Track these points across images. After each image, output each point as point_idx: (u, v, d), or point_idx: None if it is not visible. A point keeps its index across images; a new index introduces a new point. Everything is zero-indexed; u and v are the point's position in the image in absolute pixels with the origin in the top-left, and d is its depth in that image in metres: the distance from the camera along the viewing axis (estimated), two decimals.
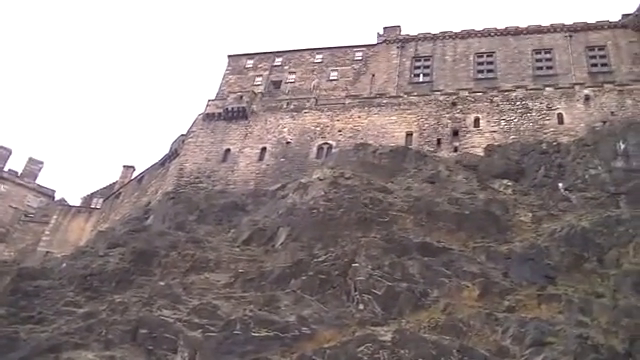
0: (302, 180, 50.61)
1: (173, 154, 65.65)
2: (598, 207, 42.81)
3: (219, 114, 64.45)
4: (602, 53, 64.01)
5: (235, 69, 74.05)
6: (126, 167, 77.84)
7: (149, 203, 60.66)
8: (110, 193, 74.02)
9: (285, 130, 61.35)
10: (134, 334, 35.37)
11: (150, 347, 34.38)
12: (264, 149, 60.31)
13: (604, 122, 53.88)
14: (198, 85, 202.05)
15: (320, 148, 58.95)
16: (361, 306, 35.31)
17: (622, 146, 48.97)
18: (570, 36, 65.96)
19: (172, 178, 60.63)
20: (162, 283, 40.21)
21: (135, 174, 74.13)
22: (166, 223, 51.52)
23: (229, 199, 54.03)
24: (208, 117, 64.67)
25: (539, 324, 31.95)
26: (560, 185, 47.41)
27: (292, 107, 63.63)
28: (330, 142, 59.05)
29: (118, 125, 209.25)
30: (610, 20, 66.91)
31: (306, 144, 59.50)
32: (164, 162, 67.09)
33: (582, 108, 55.88)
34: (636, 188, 44.06)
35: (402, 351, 30.46)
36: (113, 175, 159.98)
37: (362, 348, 30.87)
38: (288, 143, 60.09)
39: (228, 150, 61.15)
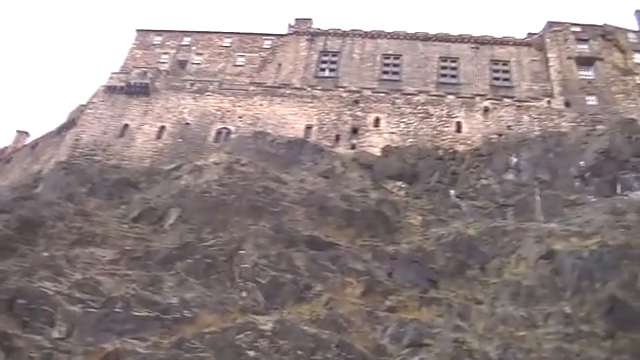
0: (198, 162, 50.33)
1: (70, 124, 64.14)
2: (486, 216, 44.34)
3: (121, 88, 63.44)
4: (505, 68, 66.18)
5: (142, 44, 72.90)
6: (20, 132, 75.51)
7: (40, 171, 59.08)
8: (0, 157, 71.60)
9: (186, 111, 60.85)
10: (11, 304, 34.27)
11: (27, 319, 33.35)
12: (163, 128, 59.67)
13: (500, 135, 55.88)
14: (102, 56, 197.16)
15: (219, 132, 58.75)
16: (244, 294, 35.46)
17: (514, 160, 50.99)
18: (477, 48, 67.86)
19: (67, 148, 59.25)
20: (46, 254, 39.16)
21: (29, 140, 71.96)
22: (56, 193, 50.20)
23: (122, 175, 53.18)
24: (110, 90, 63.54)
25: (418, 326, 32.85)
26: (452, 192, 48.91)
27: (195, 88, 63.17)
28: (230, 127, 58.92)
29: (14, 89, 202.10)
30: (516, 37, 69.18)
31: (205, 127, 59.17)
32: (60, 131, 65.44)
33: (480, 119, 57.73)
34: (524, 201, 45.86)
35: (281, 341, 30.76)
36: (5, 139, 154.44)
37: (242, 336, 31.01)
38: (187, 124, 59.63)
39: (127, 125, 60.22)
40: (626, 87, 62.30)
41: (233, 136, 57.57)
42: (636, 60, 66.39)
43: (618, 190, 48.69)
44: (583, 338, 33.78)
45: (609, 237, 39.73)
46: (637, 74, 64.59)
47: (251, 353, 30.27)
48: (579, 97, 60.77)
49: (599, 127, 55.89)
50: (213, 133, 58.65)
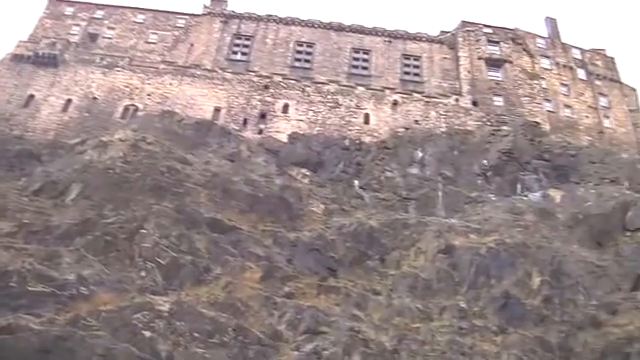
0: (103, 138, 49.36)
1: None
2: (388, 209, 45.17)
3: (28, 57, 61.53)
4: (416, 63, 67.21)
5: (53, 14, 70.80)
6: None
7: None
8: None
9: (94, 85, 59.62)
10: None
11: None
12: (70, 101, 58.28)
13: (407, 129, 56.84)
14: (10, 23, 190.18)
15: (126, 109, 57.81)
16: (143, 273, 35.18)
17: (420, 154, 52.10)
18: (389, 41, 68.68)
19: None
20: None
21: None
22: None
23: (25, 146, 51.71)
24: (16, 58, 61.56)
25: (315, 313, 33.31)
26: (356, 182, 49.64)
27: (105, 63, 61.93)
28: (137, 104, 58.08)
29: None
30: (429, 34, 70.35)
31: (113, 103, 58.16)
32: None
33: (389, 112, 58.60)
34: (426, 196, 46.94)
35: (178, 323, 30.74)
36: None
37: (139, 315, 30.79)
38: (95, 99, 58.47)
39: (32, 96, 58.52)
40: (532, 91, 64.30)
41: (140, 114, 56.78)
42: (543, 65, 68.68)
43: (518, 190, 50.43)
44: (476, 332, 34.98)
45: (507, 235, 41.15)
46: (543, 79, 66.82)
47: (147, 333, 30.07)
48: (486, 97, 62.37)
49: (504, 128, 57.56)
50: (120, 109, 57.69)
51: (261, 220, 42.23)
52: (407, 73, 66.08)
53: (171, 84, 60.12)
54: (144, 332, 30.13)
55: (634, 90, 74.18)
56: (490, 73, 65.35)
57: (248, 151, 51.57)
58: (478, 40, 68.04)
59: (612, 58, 74.33)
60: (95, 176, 44.04)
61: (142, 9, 72.47)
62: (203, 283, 35.27)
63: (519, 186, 50.49)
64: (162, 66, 62.28)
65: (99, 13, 71.40)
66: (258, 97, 59.31)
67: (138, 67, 61.85)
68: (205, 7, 72.01)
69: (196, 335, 30.52)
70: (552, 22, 75.91)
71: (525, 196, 49.33)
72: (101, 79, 60.12)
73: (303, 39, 68.75)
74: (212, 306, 32.82)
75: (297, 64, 66.20)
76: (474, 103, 61.47)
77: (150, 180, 43.27)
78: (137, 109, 57.68)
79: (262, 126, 56.77)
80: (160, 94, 59.13)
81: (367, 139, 55.18)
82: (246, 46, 67.94)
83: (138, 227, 37.92)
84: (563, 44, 73.00)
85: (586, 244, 45.29)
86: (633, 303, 40.60)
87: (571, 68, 70.21)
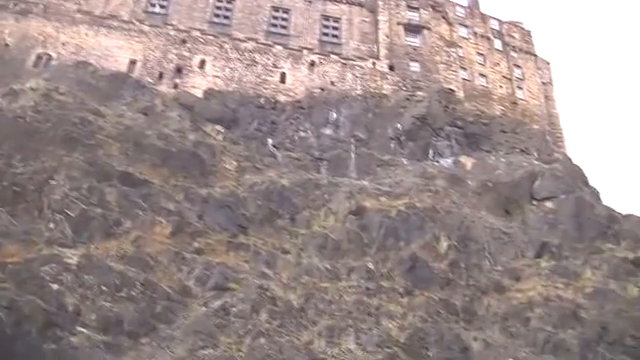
0: (14, 86, 48.11)
1: None
2: (300, 168, 45.68)
3: None
4: (335, 25, 67.30)
5: None
6: None
7: None
8: None
9: (6, 32, 57.58)
10: None
11: None
12: None
13: (323, 89, 57.27)
14: None
15: (39, 57, 56.20)
16: (52, 225, 34.80)
17: (334, 116, 52.75)
18: (310, 2, 68.59)
19: None
20: None
21: None
22: None
23: None
24: None
25: (224, 270, 33.76)
26: (269, 141, 49.94)
27: (18, 9, 59.69)
28: (51, 54, 56.51)
29: None
30: None
31: (25, 50, 56.38)
32: None
33: (306, 72, 58.85)
34: (338, 157, 47.66)
35: (86, 276, 30.76)
36: None
37: (46, 268, 30.67)
38: (7, 45, 56.61)
39: None
40: (448, 58, 65.39)
41: (54, 63, 55.34)
42: (461, 34, 69.85)
43: (430, 155, 51.63)
44: (383, 293, 36.03)
45: (417, 199, 42.23)
46: (460, 47, 68.03)
47: (54, 286, 30.02)
48: (403, 62, 63.15)
49: (419, 93, 58.51)
50: (33, 58, 56.03)
51: (173, 175, 42.13)
52: (326, 34, 66.18)
53: (87, 34, 58.72)
54: (52, 285, 30.07)
55: (548, 64, 76.40)
56: (408, 39, 66.04)
57: (162, 105, 51.11)
58: (398, 5, 68.63)
59: (529, 31, 76.07)
60: (4, 125, 42.99)
61: None
62: (112, 237, 35.15)
63: (431, 151, 51.69)
64: (78, 15, 60.66)
65: None
66: (175, 51, 58.68)
67: (53, 15, 60.20)
68: None
69: (104, 289, 30.63)
70: None
71: (437, 162, 50.55)
72: (14, 25, 58.28)
73: None
74: (121, 260, 32.88)
75: (216, 20, 65.52)
76: (391, 67, 62.18)
77: (61, 131, 42.51)
78: (50, 58, 56.20)
79: (178, 81, 56.30)
80: (75, 44, 57.77)
81: (282, 98, 55.39)
82: None
83: (48, 178, 37.41)
84: (482, 14, 74.22)
85: (494, 211, 46.88)
86: (536, 270, 42.41)
87: (488, 38, 71.49)
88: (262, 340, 30.39)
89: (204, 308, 31.93)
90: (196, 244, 35.93)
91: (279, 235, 38.27)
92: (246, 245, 36.19)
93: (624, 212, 49.89)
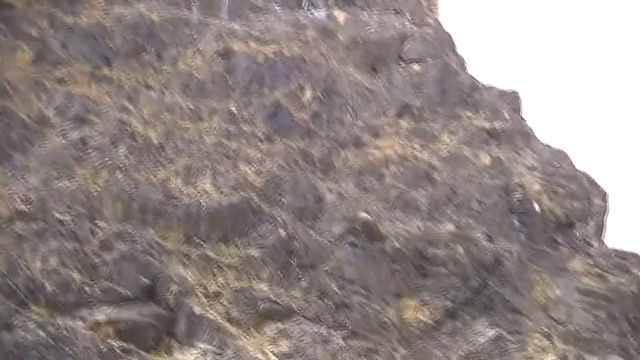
0: None
1: None
2: (171, 4, 44.72)
3: None
4: None
5: None
6: None
7: None
8: None
9: None
10: None
11: None
12: None
13: None
14: None
15: None
16: None
17: None
18: None
19: None
20: None
21: None
22: None
23: None
24: None
25: (85, 101, 33.96)
26: None
27: None
28: None
29: None
30: None
31: None
32: None
33: None
34: None
35: None
36: None
37: None
38: None
39: None
40: None
41: None
42: None
43: (303, 5, 51.90)
44: (243, 138, 37.31)
45: (286, 48, 42.98)
46: None
47: None
48: None
49: None
50: None
51: (38, 1, 41.09)
52: None
53: None
54: None
55: None
56: None
57: None
58: None
59: None
60: None
61: None
62: None
63: (305, 2, 51.99)
64: None
65: None
66: None
67: None
68: None
69: None
70: None
71: (310, 13, 50.99)
72: None
73: None
74: None
75: None
76: None
77: None
78: None
79: None
80: None
81: None
82: None
83: None
84: None
85: (361, 68, 48.19)
86: (396, 129, 44.59)
87: None
88: (119, 174, 31.22)
89: (62, 139, 32.23)
90: (58, 73, 35.59)
91: (144, 70, 38.31)
92: (109, 78, 36.23)
93: (486, 83, 52.39)
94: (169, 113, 35.64)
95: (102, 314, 25.72)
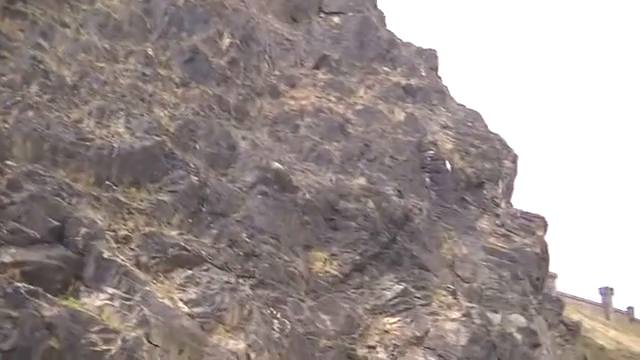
0: None
1: None
2: None
3: None
4: None
5: None
6: None
7: None
8: None
9: None
10: None
11: None
12: None
13: None
14: None
15: None
16: None
17: None
18: None
19: None
20: None
21: None
22: None
23: None
24: None
25: None
26: None
27: None
28: None
29: None
30: None
31: None
32: None
33: None
34: None
35: None
36: None
37: None
38: None
39: None
40: None
41: None
42: None
43: None
44: (159, 81, 37.23)
45: None
46: None
47: None
48: None
49: None
50: None
51: None
52: None
53: None
54: None
55: None
56: None
57: None
58: None
59: None
60: None
61: None
62: None
63: None
64: None
65: None
66: None
67: None
68: None
69: None
70: None
71: None
72: None
73: None
74: None
75: None
76: None
77: None
78: None
79: None
80: None
81: None
82: None
83: None
84: None
85: (280, 17, 48.56)
86: (312, 80, 45.16)
87: None
88: (30, 113, 30.74)
89: None
90: None
91: (60, 7, 37.46)
92: (24, 13, 35.25)
93: (405, 40, 53.23)
94: (84, 53, 35.17)
95: (8, 255, 25.35)
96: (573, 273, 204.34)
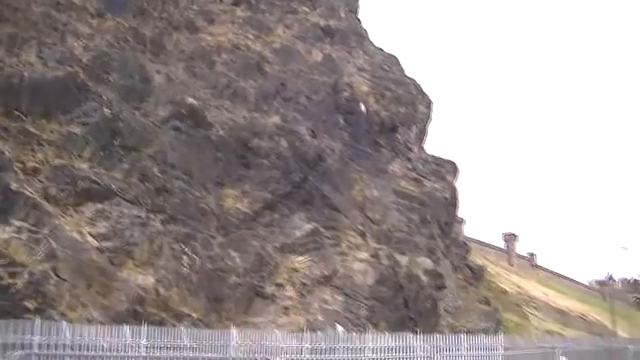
0: None
1: None
2: None
3: None
4: None
5: None
6: None
7: None
8: None
9: None
10: None
11: None
12: None
13: None
14: None
15: None
16: None
17: None
18: None
19: None
20: None
21: None
22: None
23: None
24: None
25: None
26: None
27: None
28: None
29: None
30: None
31: None
32: None
33: None
34: None
35: None
36: None
37: None
38: None
39: None
40: None
41: None
42: None
43: None
44: (73, 11, 36.77)
45: None
46: None
47: None
48: None
49: None
50: None
51: None
52: None
53: None
54: None
55: None
56: None
57: None
58: None
59: None
60: None
61: None
62: None
63: None
64: None
65: None
66: None
67: None
68: None
69: None
70: None
71: None
72: None
73: None
74: None
75: None
76: None
77: None
78: None
79: None
80: None
81: None
82: None
83: None
84: None
85: None
86: (231, 17, 44.88)
87: None
88: None
89: None
90: None
91: None
92: None
93: None
94: None
95: None
96: (479, 218, 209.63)
